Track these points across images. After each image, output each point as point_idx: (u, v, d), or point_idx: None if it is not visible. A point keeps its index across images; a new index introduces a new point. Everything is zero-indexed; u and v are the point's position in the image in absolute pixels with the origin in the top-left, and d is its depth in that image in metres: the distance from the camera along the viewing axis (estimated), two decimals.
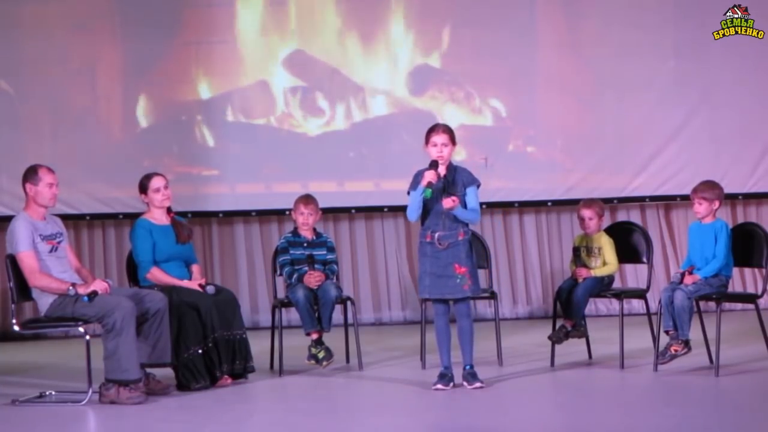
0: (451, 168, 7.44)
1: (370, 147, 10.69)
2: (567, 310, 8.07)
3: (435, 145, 7.39)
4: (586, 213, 8.24)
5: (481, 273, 8.01)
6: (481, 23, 10.66)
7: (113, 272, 10.34)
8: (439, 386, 7.38)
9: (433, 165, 7.33)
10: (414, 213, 7.42)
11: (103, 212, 10.50)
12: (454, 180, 7.40)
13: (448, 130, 7.44)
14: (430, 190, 7.28)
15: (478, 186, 7.46)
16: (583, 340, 8.26)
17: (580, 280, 8.06)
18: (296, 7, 10.68)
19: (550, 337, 8.11)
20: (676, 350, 7.62)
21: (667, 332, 7.66)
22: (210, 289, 7.81)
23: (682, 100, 10.75)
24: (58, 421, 6.93)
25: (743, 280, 10.76)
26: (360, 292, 10.76)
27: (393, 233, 10.89)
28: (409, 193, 7.46)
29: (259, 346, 8.23)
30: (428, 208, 7.38)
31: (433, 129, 7.46)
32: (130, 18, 10.48)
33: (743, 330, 8.73)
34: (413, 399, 7.36)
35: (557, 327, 8.11)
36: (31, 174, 7.49)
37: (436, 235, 7.37)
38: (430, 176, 7.29)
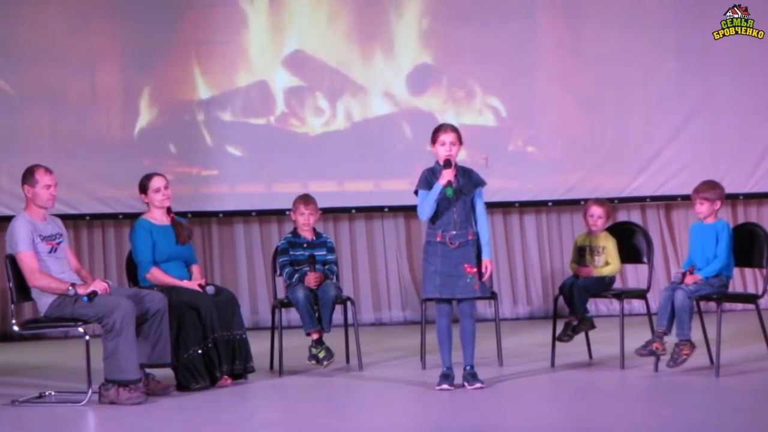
0: (459, 167, 7.41)
1: (370, 147, 10.68)
2: (572, 305, 8.07)
3: (443, 144, 7.33)
4: (597, 211, 8.22)
5: None
6: (481, 23, 10.66)
7: (113, 272, 10.34)
8: (445, 386, 7.35)
9: (448, 164, 7.28)
10: (427, 212, 7.33)
11: (103, 212, 10.50)
12: (470, 177, 7.37)
13: (456, 130, 7.39)
14: (450, 188, 7.26)
15: (484, 186, 7.45)
16: (584, 340, 8.27)
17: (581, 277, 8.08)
18: (296, 7, 10.68)
19: (559, 338, 8.10)
20: (657, 347, 7.59)
21: (658, 330, 7.63)
22: (210, 289, 7.81)
23: (682, 100, 10.75)
24: (57, 422, 6.92)
25: (744, 280, 10.76)
26: (360, 292, 10.76)
27: (393, 233, 10.89)
28: (416, 192, 7.41)
29: (259, 346, 8.22)
30: (439, 207, 7.34)
31: (441, 128, 7.42)
32: (130, 18, 10.48)
33: (743, 330, 8.72)
34: (414, 399, 7.35)
35: (564, 325, 8.10)
36: (28, 176, 7.46)
37: (448, 234, 7.34)
38: (448, 175, 7.25)
